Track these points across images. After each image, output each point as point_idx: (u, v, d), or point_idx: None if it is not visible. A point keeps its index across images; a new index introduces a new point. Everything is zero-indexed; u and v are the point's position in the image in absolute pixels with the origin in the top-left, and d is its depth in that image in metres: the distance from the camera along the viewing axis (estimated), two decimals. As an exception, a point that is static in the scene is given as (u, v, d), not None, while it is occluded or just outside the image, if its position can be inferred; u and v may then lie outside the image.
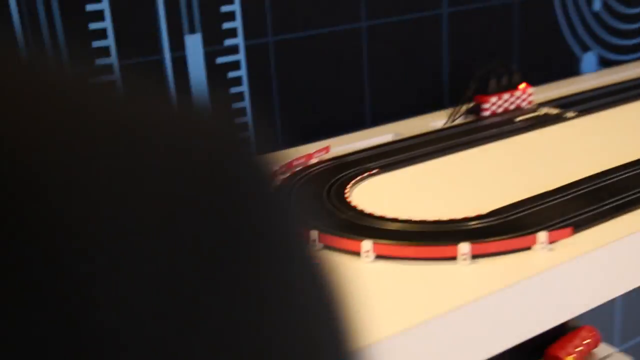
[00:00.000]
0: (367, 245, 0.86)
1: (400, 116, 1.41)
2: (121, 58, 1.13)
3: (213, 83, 1.22)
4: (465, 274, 0.83)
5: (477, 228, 0.92)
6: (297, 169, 1.16)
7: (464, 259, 0.84)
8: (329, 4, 1.31)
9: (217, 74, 1.22)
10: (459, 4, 1.46)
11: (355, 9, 1.34)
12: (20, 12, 1.05)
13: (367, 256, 0.86)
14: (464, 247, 0.84)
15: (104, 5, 1.10)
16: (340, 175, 1.12)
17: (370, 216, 0.97)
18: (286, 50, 1.28)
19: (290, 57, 1.29)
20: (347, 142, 1.29)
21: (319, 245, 0.90)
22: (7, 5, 1.03)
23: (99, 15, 1.10)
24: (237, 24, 1.23)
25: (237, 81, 1.25)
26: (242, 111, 1.26)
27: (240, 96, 1.25)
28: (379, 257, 0.86)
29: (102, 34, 1.11)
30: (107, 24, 1.11)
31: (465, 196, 1.04)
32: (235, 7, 1.22)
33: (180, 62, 1.18)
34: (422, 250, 0.86)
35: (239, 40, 1.23)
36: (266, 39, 1.26)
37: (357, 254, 0.87)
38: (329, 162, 1.19)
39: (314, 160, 1.19)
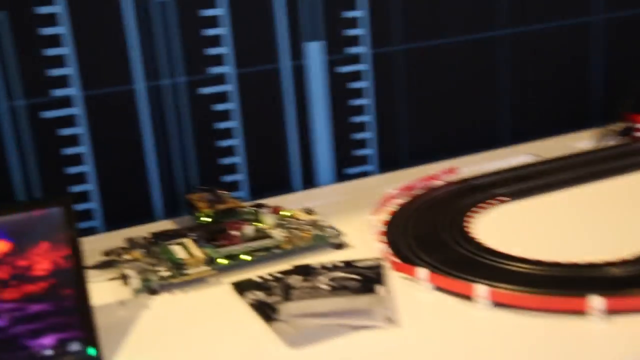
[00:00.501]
0: (482, 290, 0.75)
1: (540, 134, 1.28)
2: (240, 66, 1.08)
3: (333, 94, 1.15)
4: (596, 333, 0.71)
5: (619, 277, 0.78)
6: (418, 192, 1.06)
7: (596, 315, 0.71)
8: (463, 9, 1.20)
9: (338, 84, 1.15)
10: (614, 9, 1.31)
11: (494, 15, 1.22)
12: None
13: (481, 302, 0.75)
14: (597, 301, 0.71)
15: (222, 11, 1.05)
16: (464, 201, 1.01)
17: (492, 252, 0.86)
18: (414, 60, 1.18)
19: (419, 66, 1.19)
20: (477, 162, 1.17)
21: (428, 285, 0.80)
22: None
23: (212, 22, 1.05)
24: (362, 30, 1.14)
25: (359, 92, 1.16)
26: (363, 126, 1.18)
27: (361, 109, 1.17)
28: (496, 304, 0.75)
29: (214, 41, 1.06)
30: (224, 30, 1.06)
31: (610, 234, 0.91)
32: (360, 12, 1.13)
33: (299, 71, 1.12)
34: (548, 301, 0.74)
35: (363, 49, 1.15)
36: (392, 48, 1.17)
37: (470, 298, 0.76)
38: (453, 185, 1.08)
39: (437, 183, 1.09)
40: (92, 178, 1.04)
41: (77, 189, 1.03)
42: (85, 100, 1.01)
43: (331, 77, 1.14)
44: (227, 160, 1.11)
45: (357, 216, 0.99)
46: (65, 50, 0.99)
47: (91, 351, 0.70)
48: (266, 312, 0.76)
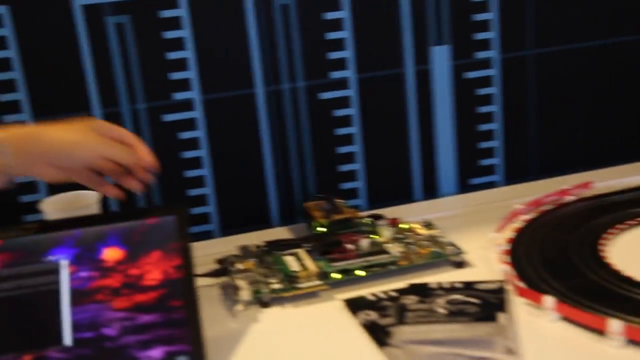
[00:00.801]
0: (616, 325, 0.69)
1: (687, 148, 1.18)
2: (361, 71, 1.04)
3: (459, 100, 1.09)
4: None
5: None
6: (547, 207, 0.99)
7: None
8: (600, 11, 1.11)
9: (464, 90, 1.09)
10: None
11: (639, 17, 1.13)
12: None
13: (615, 339, 0.69)
14: None
15: (345, 14, 1.02)
16: (599, 220, 0.93)
17: (629, 281, 0.78)
18: (548, 65, 1.11)
19: (551, 72, 1.11)
20: (614, 176, 1.09)
21: (554, 315, 0.73)
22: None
23: (335, 25, 1.02)
24: (492, 34, 1.08)
25: (487, 99, 1.10)
26: (490, 134, 1.12)
27: (488, 116, 1.11)
28: (632, 342, 0.68)
29: (337, 44, 1.03)
30: (347, 34, 1.02)
31: None
32: (491, 15, 1.07)
33: (424, 76, 1.07)
34: (692, 341, 0.66)
35: (492, 53, 1.09)
36: (524, 52, 1.10)
37: (602, 333, 0.70)
38: (587, 202, 1.00)
39: (569, 198, 1.01)
40: (209, 182, 1.03)
41: (194, 192, 1.03)
42: (204, 104, 1.00)
43: (457, 83, 1.08)
44: (345, 167, 1.08)
45: (479, 232, 0.93)
46: (187, 53, 0.98)
47: (198, 366, 0.69)
48: (379, 334, 0.72)
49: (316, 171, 1.06)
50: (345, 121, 1.06)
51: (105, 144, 0.76)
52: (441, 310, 0.75)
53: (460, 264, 0.86)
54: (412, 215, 0.99)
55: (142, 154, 0.77)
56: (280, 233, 1.00)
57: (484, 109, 1.10)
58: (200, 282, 0.87)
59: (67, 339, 0.70)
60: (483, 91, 1.10)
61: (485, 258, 0.87)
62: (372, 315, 0.76)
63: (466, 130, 1.11)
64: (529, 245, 0.88)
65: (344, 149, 1.07)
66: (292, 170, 1.05)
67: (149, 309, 0.71)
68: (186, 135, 1.01)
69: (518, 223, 0.95)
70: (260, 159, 1.04)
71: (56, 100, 0.97)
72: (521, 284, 0.79)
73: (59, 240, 0.74)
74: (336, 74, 1.04)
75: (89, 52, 0.95)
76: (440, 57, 1.07)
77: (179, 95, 1.00)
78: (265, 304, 0.81)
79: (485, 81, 1.09)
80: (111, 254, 0.75)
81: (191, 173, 1.02)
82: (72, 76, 0.96)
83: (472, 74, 1.09)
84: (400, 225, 0.94)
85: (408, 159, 1.09)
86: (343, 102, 1.05)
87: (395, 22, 1.04)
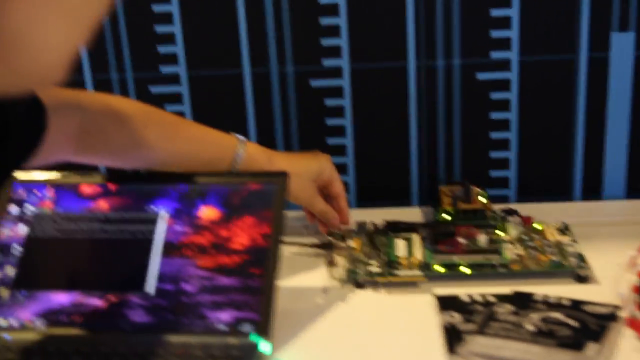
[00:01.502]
0: None
1: None
2: (525, 53, 0.96)
3: (639, 94, 0.97)
4: None
5: None
6: None
7: None
8: None
9: (647, 84, 0.96)
10: None
11: None
12: None
13: None
14: None
15: None
16: None
17: None
18: None
19: None
20: None
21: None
22: None
23: (504, 2, 0.94)
24: (690, 23, 0.94)
25: (673, 97, 0.97)
26: (668, 137, 0.98)
27: (671, 117, 0.97)
28: None
29: (501, 22, 0.95)
30: (513, 11, 0.94)
31: None
32: (689, 1, 0.93)
33: (600, 64, 0.96)
34: None
35: (689, 45, 0.95)
36: None
37: None
38: None
39: None
40: (350, 151, 1.01)
41: (334, 160, 1.02)
42: (352, 73, 0.98)
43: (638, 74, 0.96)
44: (498, 154, 1.00)
45: (625, 246, 0.83)
46: (340, 20, 0.96)
47: (260, 342, 0.69)
48: (453, 340, 0.67)
49: (465, 155, 1.00)
50: (503, 105, 0.98)
51: (316, 202, 0.86)
52: (529, 327, 0.68)
53: (581, 279, 0.78)
54: (560, 215, 0.91)
55: (340, 218, 0.88)
56: (414, 214, 0.97)
57: (668, 108, 0.97)
58: (306, 251, 0.88)
59: (151, 287, 0.73)
60: (671, 87, 0.96)
61: (616, 278, 0.77)
62: (456, 318, 0.71)
63: (644, 129, 0.98)
64: (671, 271, 0.77)
65: (498, 135, 0.99)
66: (438, 151, 1.01)
67: (229, 272, 0.72)
68: (332, 102, 1.00)
69: (673, 243, 0.84)
70: (406, 135, 1.00)
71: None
72: (636, 314, 0.69)
73: (164, 192, 0.78)
74: (498, 54, 0.96)
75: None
76: (623, 44, 0.95)
77: (328, 62, 0.98)
78: (359, 285, 0.79)
79: (675, 76, 0.96)
80: (208, 212, 0.76)
81: (334, 141, 1.01)
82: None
83: (659, 67, 0.96)
84: (534, 225, 0.87)
85: (570, 152, 0.99)
86: (502, 85, 0.98)
87: (573, 3, 0.94)
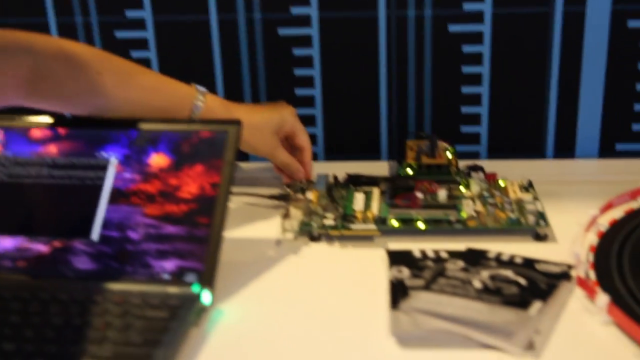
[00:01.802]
0: (663, 347, 0.56)
1: None
2: (499, 5, 0.93)
3: (616, 52, 0.94)
4: None
5: None
6: (683, 191, 0.83)
7: None
8: None
9: (624, 40, 0.93)
10: None
11: None
12: None
13: (660, 362, 0.57)
14: None
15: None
16: None
17: None
18: None
19: None
20: None
21: (605, 317, 0.62)
22: None
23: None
24: (671, -23, 0.90)
25: (650, 54, 0.94)
26: (642, 95, 0.95)
27: (648, 75, 0.94)
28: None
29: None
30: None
31: None
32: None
33: (575, 19, 0.93)
34: None
35: (669, 0, 0.91)
36: None
37: (649, 352, 0.58)
38: None
39: None
40: (318, 103, 0.99)
41: (302, 112, 1.00)
42: (320, 22, 0.96)
43: (617, 32, 0.93)
44: (469, 109, 0.98)
45: (589, 206, 0.81)
46: (310, -35, 0.94)
47: (202, 293, 0.67)
48: (398, 295, 0.66)
49: (436, 109, 0.98)
50: (475, 59, 0.96)
51: (277, 154, 0.85)
52: (477, 284, 0.66)
53: (540, 237, 0.76)
54: (531, 173, 0.89)
55: (303, 168, 0.87)
56: (381, 168, 0.95)
57: (645, 66, 0.94)
58: (263, 202, 0.86)
59: (95, 234, 0.71)
60: (649, 44, 0.94)
61: (576, 238, 0.76)
62: (405, 273, 0.69)
63: (619, 87, 0.95)
64: (631, 233, 0.75)
65: (469, 89, 0.97)
66: (409, 104, 0.98)
67: (175, 221, 0.71)
68: (300, 52, 0.97)
69: (638, 203, 0.82)
70: (376, 87, 0.98)
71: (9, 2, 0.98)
72: (588, 274, 0.68)
73: (115, 138, 0.76)
74: (471, 6, 0.93)
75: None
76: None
77: (297, 10, 0.96)
78: (314, 238, 0.77)
79: (654, 33, 0.93)
80: (158, 160, 0.75)
81: (302, 92, 0.99)
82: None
83: (638, 23, 0.93)
84: (498, 182, 0.85)
85: (543, 109, 0.97)
86: (475, 38, 0.95)
87: (549, -48, 0.91)
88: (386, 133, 0.99)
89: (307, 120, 0.99)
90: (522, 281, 0.67)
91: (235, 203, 0.87)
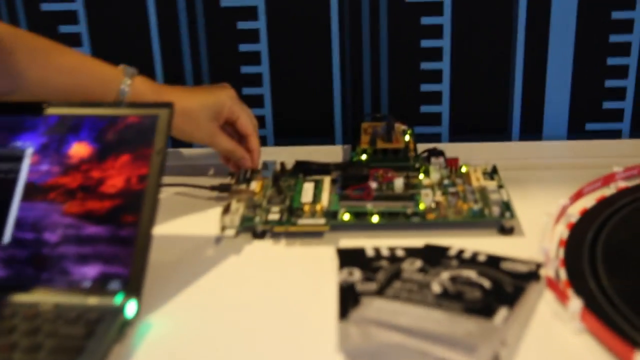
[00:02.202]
0: (643, 361, 0.50)
1: None
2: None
3: (586, 24, 0.87)
4: None
5: None
6: (658, 176, 0.77)
7: None
8: None
9: (595, 12, 0.86)
10: None
11: None
12: None
13: (639, 379, 0.50)
14: None
15: None
16: None
17: None
18: None
19: None
20: None
21: (578, 325, 0.55)
22: None
23: None
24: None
25: (626, 26, 0.87)
26: (623, 70, 0.88)
27: (624, 48, 0.87)
28: (662, 388, 0.50)
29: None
30: None
31: None
32: None
33: (545, -12, 0.86)
34: None
35: (644, -32, 0.84)
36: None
37: (627, 366, 0.52)
38: None
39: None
40: (266, 81, 0.91)
41: (249, 91, 0.91)
42: (268, -8, 0.88)
43: (585, 2, 0.86)
44: (429, 87, 0.91)
45: (559, 194, 0.75)
46: None
47: (127, 303, 0.59)
48: (348, 302, 0.59)
49: (392, 88, 0.91)
50: (435, 32, 0.88)
51: (218, 141, 0.77)
52: (436, 288, 0.59)
53: (505, 230, 0.69)
54: (495, 156, 0.82)
55: (250, 156, 0.79)
56: (334, 153, 0.87)
57: (620, 38, 0.87)
58: (202, 194, 0.78)
59: (7, 236, 0.63)
60: (620, 15, 0.86)
61: (544, 230, 0.69)
62: (356, 276, 0.62)
63: (590, 63, 0.88)
64: (601, 226, 0.69)
65: (430, 66, 0.89)
66: (364, 83, 0.90)
67: (98, 220, 0.63)
68: (245, 25, 0.89)
69: (610, 190, 0.75)
70: (328, 64, 0.90)
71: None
72: (558, 275, 0.61)
73: (29, 125, 0.67)
74: (432, -26, 0.86)
75: None
76: (570, -34, 0.85)
77: (242, -21, 0.87)
78: (258, 235, 0.70)
79: (626, 2, 0.86)
80: (78, 149, 0.66)
81: (247, 69, 0.91)
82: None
83: (610, -7, 0.86)
84: (461, 169, 0.78)
85: (508, 87, 0.90)
86: (434, 9, 0.87)
87: None
88: (340, 114, 0.92)
89: (254, 101, 0.91)
90: (486, 283, 0.60)
91: (169, 195, 0.79)
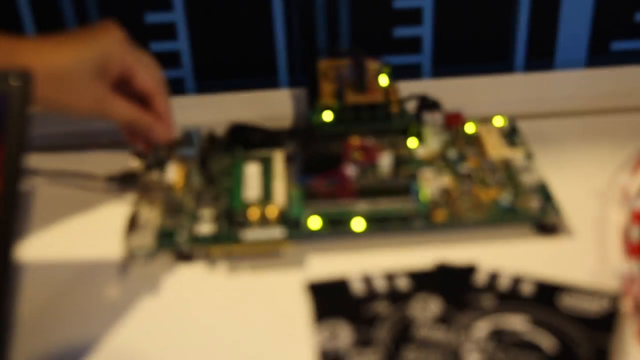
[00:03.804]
0: None
1: None
2: None
3: None
4: None
5: None
6: None
7: None
8: None
9: None
10: None
11: None
12: None
13: None
14: None
15: None
16: None
17: None
18: None
19: None
20: None
21: None
22: None
23: None
24: None
25: None
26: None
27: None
28: None
29: None
30: None
31: None
32: None
33: None
34: None
35: None
36: None
37: None
38: None
39: None
40: (178, 4, 0.65)
41: (153, 17, 0.65)
42: None
43: None
44: (404, 2, 0.66)
45: (607, 163, 0.53)
46: None
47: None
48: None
49: (354, 11, 0.66)
50: None
51: (110, 108, 0.51)
52: (471, 357, 0.38)
53: (545, 229, 0.47)
54: (493, 99, 0.60)
55: (160, 122, 0.54)
56: (280, 104, 0.63)
57: None
58: (96, 187, 0.53)
59: None
60: None
61: (601, 222, 0.48)
62: (342, 336, 0.40)
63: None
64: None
65: (405, -27, 0.65)
66: (316, 9, 0.65)
67: None
68: None
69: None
70: (265, -24, 0.64)
71: None
72: (647, 312, 0.41)
73: None
74: None
75: None
76: None
77: None
78: (183, 256, 0.46)
79: None
80: None
81: (152, -12, 0.64)
82: None
83: None
84: (465, 128, 0.55)
85: (512, 1, 0.66)
86: None
87: None
88: (284, 50, 0.67)
89: (162, 31, 0.65)
90: (546, 342, 0.39)
91: (43, 193, 0.54)
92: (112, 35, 0.51)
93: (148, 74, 0.52)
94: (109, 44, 0.50)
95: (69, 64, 0.48)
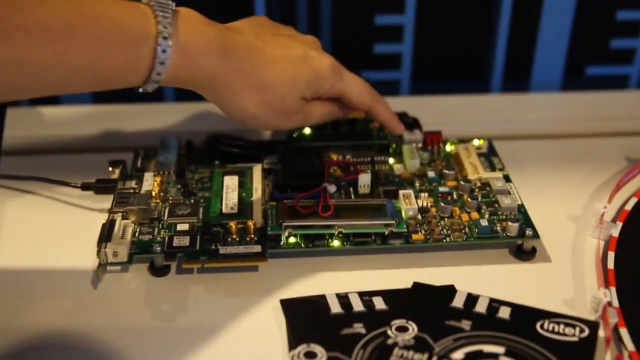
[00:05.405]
0: None
1: None
2: None
3: None
4: None
5: None
6: None
7: None
8: None
9: None
10: None
11: None
12: None
13: None
14: None
15: None
16: None
17: None
18: None
19: None
20: None
21: None
22: None
23: None
24: None
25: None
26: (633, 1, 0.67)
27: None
28: None
29: None
30: None
31: None
32: None
33: None
34: None
35: None
36: None
37: None
38: None
39: None
40: None
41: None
42: None
43: None
44: (385, 19, 0.66)
45: (582, 188, 0.54)
46: None
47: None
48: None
49: (335, 18, 0.66)
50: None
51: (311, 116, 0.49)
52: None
53: (523, 253, 0.48)
54: (471, 118, 0.60)
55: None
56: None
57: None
58: (69, 193, 0.52)
59: None
60: None
61: (577, 247, 0.48)
62: (318, 358, 0.40)
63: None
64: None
65: (386, -11, 0.65)
66: (298, 9, 0.65)
67: None
68: None
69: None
70: (247, -15, 0.64)
71: None
72: (621, 335, 0.41)
73: None
74: None
75: None
76: None
77: None
78: (158, 272, 0.46)
79: None
80: None
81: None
82: None
83: None
84: (447, 147, 0.55)
85: (492, 22, 0.67)
86: None
87: None
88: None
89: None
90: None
91: (19, 200, 0.53)
92: (321, 55, 0.49)
93: (358, 92, 0.50)
94: (324, 66, 0.48)
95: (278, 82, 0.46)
